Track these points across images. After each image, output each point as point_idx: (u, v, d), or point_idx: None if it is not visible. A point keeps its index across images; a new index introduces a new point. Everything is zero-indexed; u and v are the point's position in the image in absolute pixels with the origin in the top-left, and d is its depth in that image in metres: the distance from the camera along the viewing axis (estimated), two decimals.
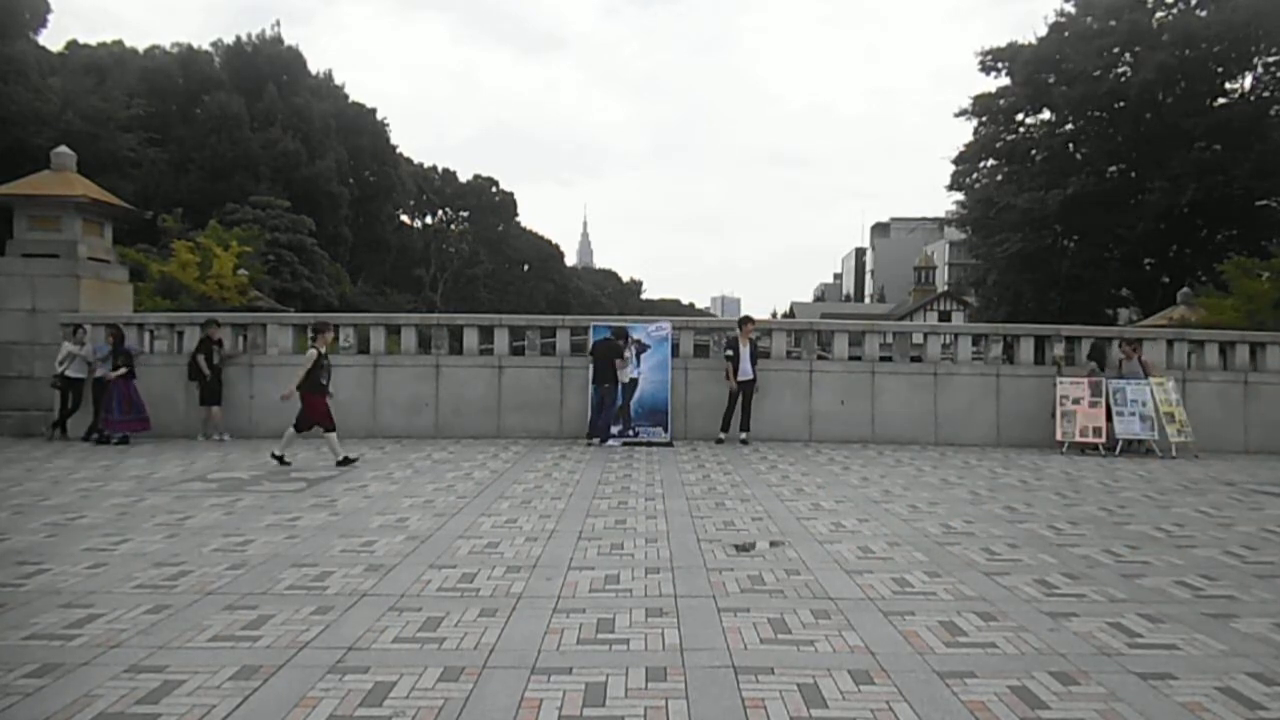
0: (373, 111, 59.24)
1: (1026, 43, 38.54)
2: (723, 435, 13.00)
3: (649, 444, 12.68)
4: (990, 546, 6.54)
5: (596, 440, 12.62)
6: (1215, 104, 35.10)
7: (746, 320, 13.41)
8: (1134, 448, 12.72)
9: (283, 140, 46.94)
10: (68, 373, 12.79)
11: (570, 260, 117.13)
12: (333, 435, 10.38)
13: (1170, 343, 14.21)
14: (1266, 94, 34.37)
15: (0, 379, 13.76)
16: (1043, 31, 37.93)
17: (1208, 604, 5.12)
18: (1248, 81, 35.17)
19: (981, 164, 41.46)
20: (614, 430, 12.83)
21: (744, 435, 12.95)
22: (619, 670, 3.94)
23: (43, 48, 39.32)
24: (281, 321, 14.51)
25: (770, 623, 4.65)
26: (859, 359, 14.05)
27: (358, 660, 4.05)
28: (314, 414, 10.36)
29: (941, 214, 52.50)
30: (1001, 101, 39.06)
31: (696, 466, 10.63)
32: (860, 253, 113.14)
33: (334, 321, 14.78)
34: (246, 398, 13.43)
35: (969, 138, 41.63)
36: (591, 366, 12.79)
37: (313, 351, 10.33)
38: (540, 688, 3.74)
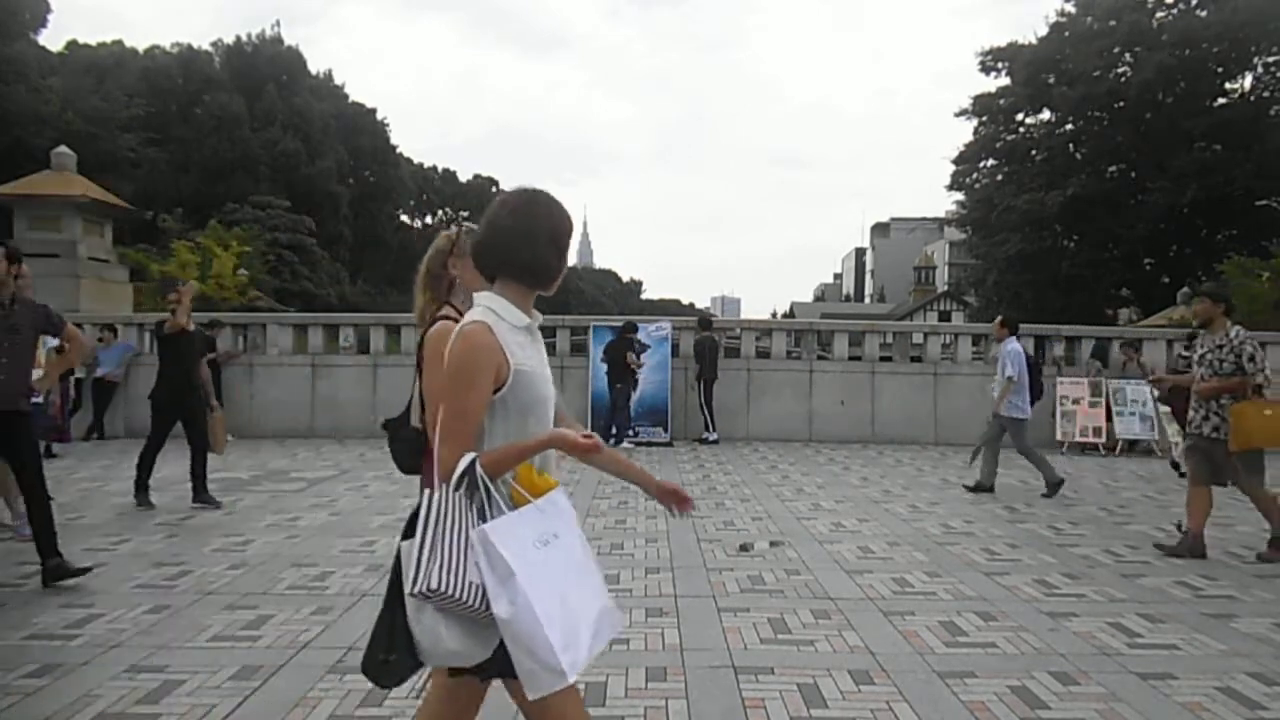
0: (373, 111, 59.26)
1: (1027, 43, 38.56)
2: (713, 436, 13.01)
3: (649, 444, 12.68)
4: (990, 546, 6.54)
5: (612, 441, 12.53)
6: (1215, 104, 35.09)
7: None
8: (1134, 448, 12.72)
9: (283, 140, 46.94)
10: None
11: (570, 260, 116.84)
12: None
13: (1170, 342, 14.20)
14: (1266, 94, 34.36)
15: None
16: (1043, 31, 37.95)
17: (1208, 604, 5.12)
18: (1248, 81, 35.18)
19: (981, 164, 41.46)
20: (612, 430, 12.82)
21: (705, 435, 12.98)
22: (619, 670, 3.94)
23: (43, 48, 39.35)
24: (281, 321, 14.51)
25: (770, 623, 4.65)
26: (859, 359, 14.06)
27: (358, 660, 4.04)
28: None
29: (941, 214, 52.51)
30: (1002, 101, 39.06)
31: (696, 466, 10.63)
32: (860, 253, 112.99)
33: (336, 321, 14.79)
34: (247, 398, 13.43)
35: (969, 138, 41.63)
36: (606, 369, 12.73)
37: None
38: None
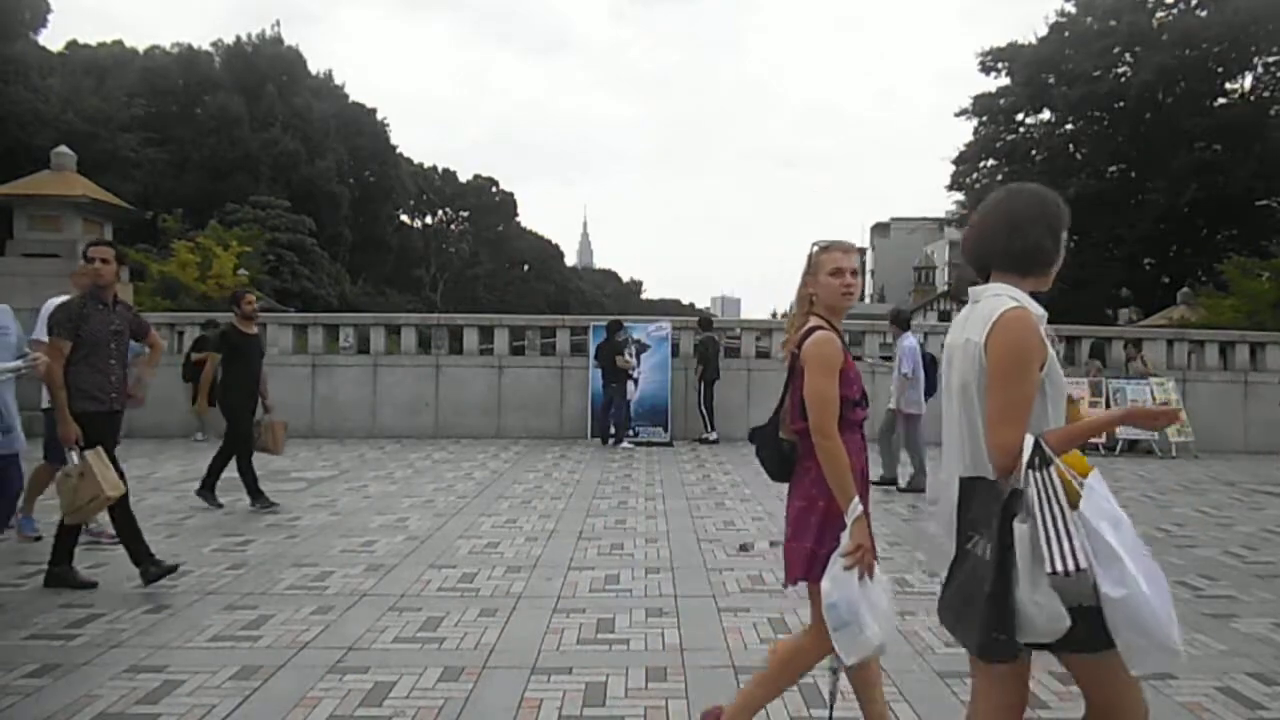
0: (373, 111, 59.26)
1: (1027, 43, 38.51)
2: (713, 435, 13.03)
3: (649, 444, 12.67)
4: None
5: (612, 440, 12.56)
6: (1215, 104, 35.08)
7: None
8: (1134, 448, 12.72)
9: (283, 140, 46.91)
10: None
11: (570, 260, 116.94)
12: None
13: (1170, 343, 14.21)
14: (1266, 94, 34.36)
15: None
16: (1043, 31, 37.92)
17: (1208, 604, 5.12)
18: (1248, 81, 35.17)
19: (981, 164, 41.38)
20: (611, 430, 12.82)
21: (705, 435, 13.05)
22: (619, 670, 3.94)
23: (43, 48, 39.32)
24: (281, 321, 14.51)
25: (770, 623, 4.65)
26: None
27: (358, 660, 4.05)
28: None
29: (941, 214, 52.43)
30: (1002, 101, 39.01)
31: (696, 466, 10.63)
32: (860, 253, 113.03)
33: (336, 321, 14.80)
34: None
35: (969, 138, 41.57)
36: (600, 370, 12.80)
37: None
38: (540, 688, 3.74)
